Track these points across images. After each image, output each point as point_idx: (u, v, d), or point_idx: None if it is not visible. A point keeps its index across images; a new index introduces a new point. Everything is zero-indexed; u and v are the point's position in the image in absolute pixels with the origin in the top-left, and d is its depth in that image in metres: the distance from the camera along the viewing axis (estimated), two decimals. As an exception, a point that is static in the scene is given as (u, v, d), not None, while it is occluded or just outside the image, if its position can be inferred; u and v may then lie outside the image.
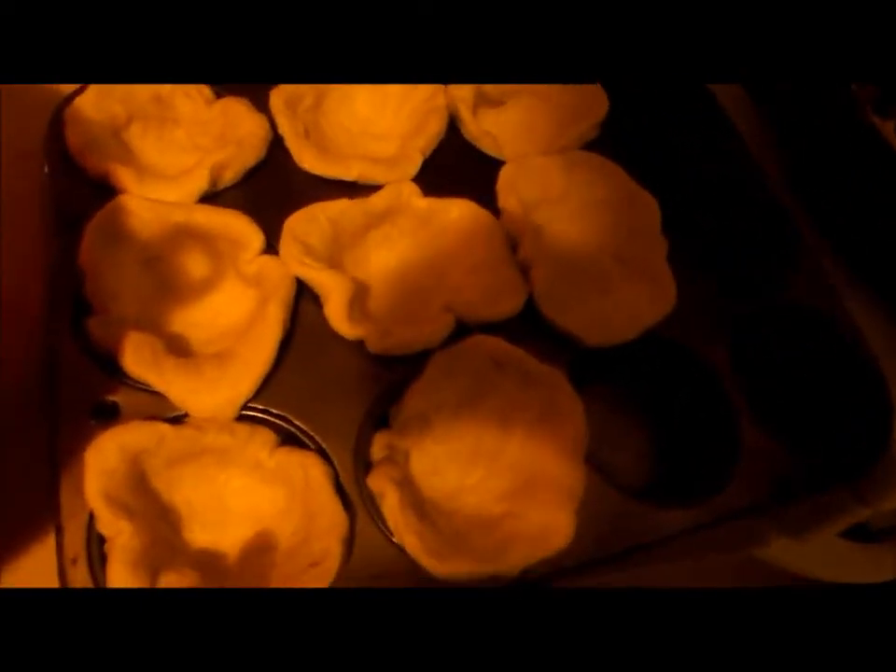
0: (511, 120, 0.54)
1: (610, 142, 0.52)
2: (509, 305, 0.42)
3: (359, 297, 0.41)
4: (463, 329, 0.42)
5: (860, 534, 0.48)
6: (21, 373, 0.38)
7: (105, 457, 0.33)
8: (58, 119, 0.44)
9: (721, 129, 0.56)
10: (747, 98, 0.63)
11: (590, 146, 0.52)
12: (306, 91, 0.49)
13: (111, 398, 0.36)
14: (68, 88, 0.47)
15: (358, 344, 0.40)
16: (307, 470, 0.35)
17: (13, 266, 0.38)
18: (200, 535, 0.36)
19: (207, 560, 0.35)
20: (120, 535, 0.32)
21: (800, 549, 0.47)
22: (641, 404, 0.47)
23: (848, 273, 0.55)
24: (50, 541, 0.36)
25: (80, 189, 0.42)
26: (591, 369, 0.44)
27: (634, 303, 0.44)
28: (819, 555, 0.48)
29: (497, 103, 0.54)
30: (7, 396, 0.33)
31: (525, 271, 0.44)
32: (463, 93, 0.51)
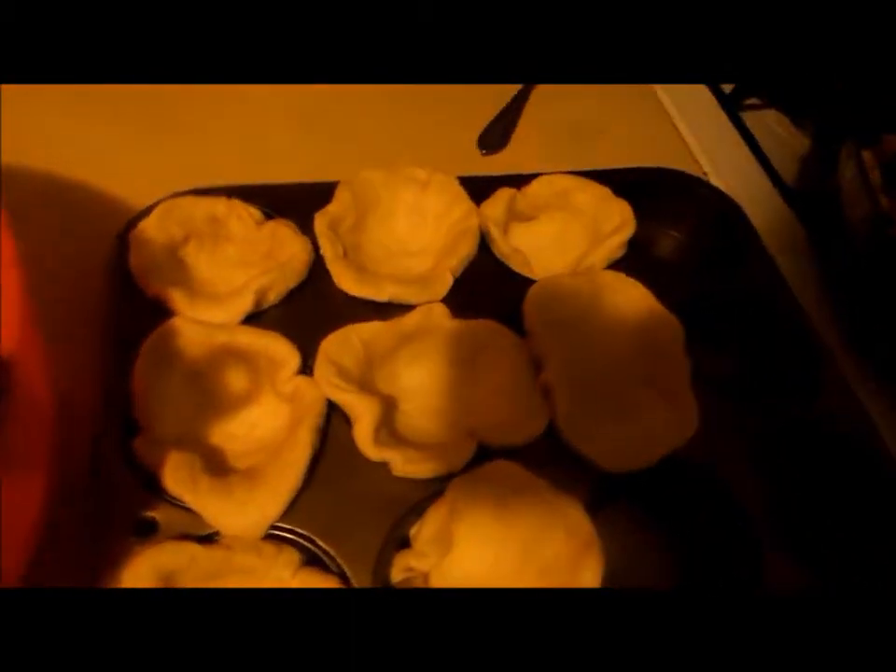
0: (541, 236, 0.57)
1: (635, 259, 0.54)
2: (530, 430, 0.44)
3: (387, 419, 0.43)
4: (483, 450, 0.43)
5: None
6: (66, 478, 0.40)
7: (140, 579, 0.35)
8: (123, 241, 0.48)
9: (747, 246, 0.57)
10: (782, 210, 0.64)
11: (616, 264, 0.54)
12: (348, 213, 0.52)
13: (150, 513, 0.39)
14: (133, 203, 0.52)
15: (385, 465, 0.42)
16: (327, 595, 0.37)
17: (62, 373, 0.40)
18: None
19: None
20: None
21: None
22: (662, 524, 0.47)
23: (877, 385, 0.54)
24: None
25: (138, 310, 0.46)
26: (611, 490, 0.44)
27: (655, 430, 0.45)
28: None
29: (528, 218, 0.57)
30: (52, 500, 0.35)
31: (545, 393, 0.46)
32: (494, 213, 0.54)
